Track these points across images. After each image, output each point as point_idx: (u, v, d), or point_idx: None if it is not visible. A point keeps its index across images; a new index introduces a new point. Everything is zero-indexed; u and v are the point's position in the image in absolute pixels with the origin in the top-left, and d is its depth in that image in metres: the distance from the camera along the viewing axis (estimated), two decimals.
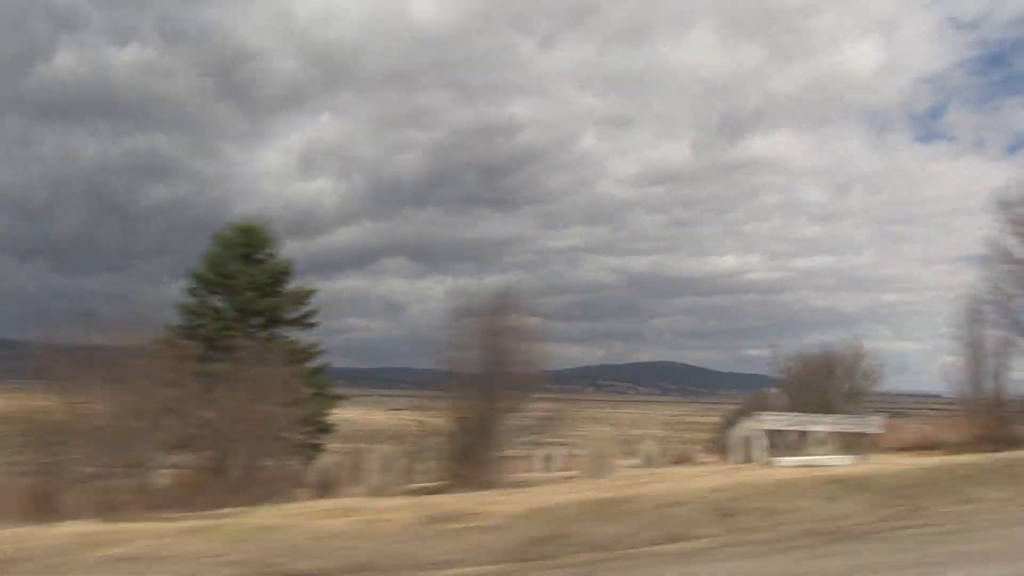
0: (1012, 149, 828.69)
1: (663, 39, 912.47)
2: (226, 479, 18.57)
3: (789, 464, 20.63)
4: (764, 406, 34.54)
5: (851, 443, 25.90)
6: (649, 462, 29.22)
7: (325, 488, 21.87)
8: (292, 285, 29.38)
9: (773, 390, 42.61)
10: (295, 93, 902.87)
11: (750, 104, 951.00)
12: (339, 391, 34.43)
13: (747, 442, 26.45)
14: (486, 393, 23.07)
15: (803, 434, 27.12)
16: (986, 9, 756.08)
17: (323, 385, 29.22)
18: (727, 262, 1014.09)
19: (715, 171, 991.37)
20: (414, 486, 21.67)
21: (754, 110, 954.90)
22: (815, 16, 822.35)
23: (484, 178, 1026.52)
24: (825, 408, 28.47)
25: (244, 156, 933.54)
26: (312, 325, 29.76)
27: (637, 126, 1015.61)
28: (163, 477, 19.00)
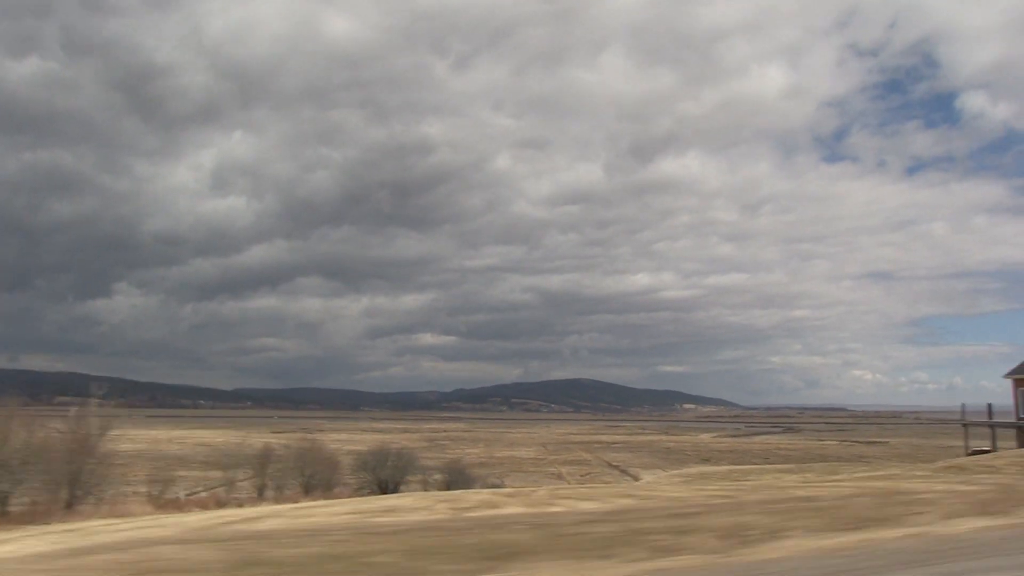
0: (911, 171, 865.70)
1: (577, 63, 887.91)
2: None
3: None
4: None
5: None
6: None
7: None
8: None
9: None
10: (207, 109, 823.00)
11: (662, 127, 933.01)
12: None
13: None
14: None
15: None
16: (884, 38, 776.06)
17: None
18: (641, 281, 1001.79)
19: (628, 192, 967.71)
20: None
21: (665, 133, 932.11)
22: (723, 42, 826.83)
23: (399, 197, 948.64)
24: None
25: (154, 172, 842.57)
26: None
27: (551, 147, 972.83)
28: None
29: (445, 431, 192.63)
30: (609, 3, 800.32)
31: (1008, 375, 41.38)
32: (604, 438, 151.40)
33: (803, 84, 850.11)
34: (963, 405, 48.59)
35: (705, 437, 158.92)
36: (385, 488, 36.41)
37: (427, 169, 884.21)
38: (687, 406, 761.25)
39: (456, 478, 42.37)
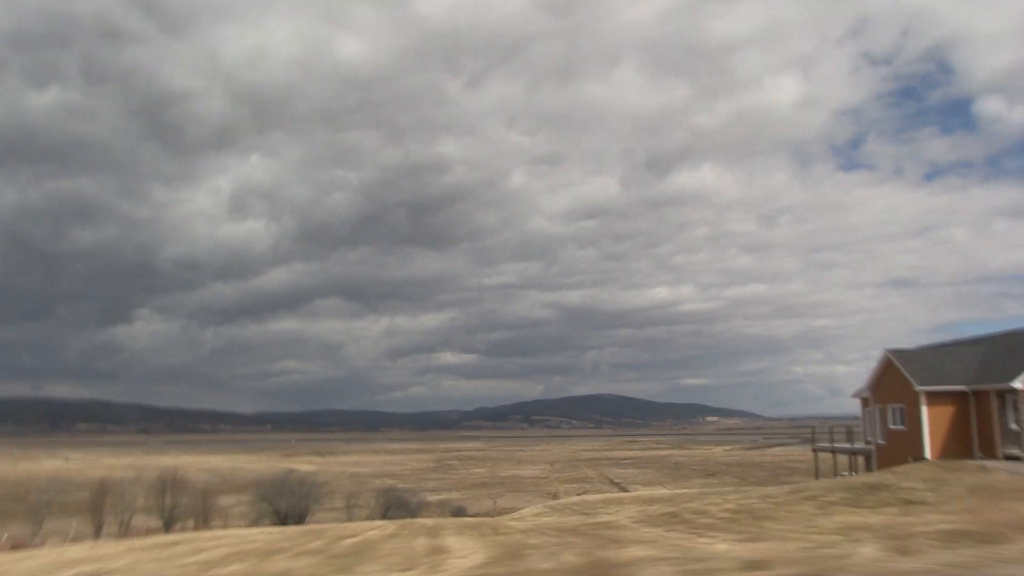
0: (929, 177, 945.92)
1: (589, 78, 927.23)
2: None
3: None
4: None
5: None
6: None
7: None
8: None
9: None
10: (224, 134, 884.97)
11: (676, 140, 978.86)
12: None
13: None
14: None
15: None
16: (897, 45, 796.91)
17: None
18: (660, 294, 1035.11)
19: (645, 206, 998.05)
20: None
21: (680, 146, 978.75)
22: (737, 54, 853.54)
23: (415, 217, 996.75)
24: None
25: (173, 198, 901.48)
26: None
27: (566, 163, 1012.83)
28: None
29: (458, 451, 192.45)
30: (621, 17, 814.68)
31: (856, 395, 38.09)
32: (616, 454, 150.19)
33: (817, 93, 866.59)
34: (812, 429, 44.91)
35: (718, 450, 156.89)
36: (285, 519, 34.94)
37: (442, 188, 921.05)
38: (710, 419, 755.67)
39: (393, 504, 40.72)
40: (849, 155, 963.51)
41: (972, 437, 28.83)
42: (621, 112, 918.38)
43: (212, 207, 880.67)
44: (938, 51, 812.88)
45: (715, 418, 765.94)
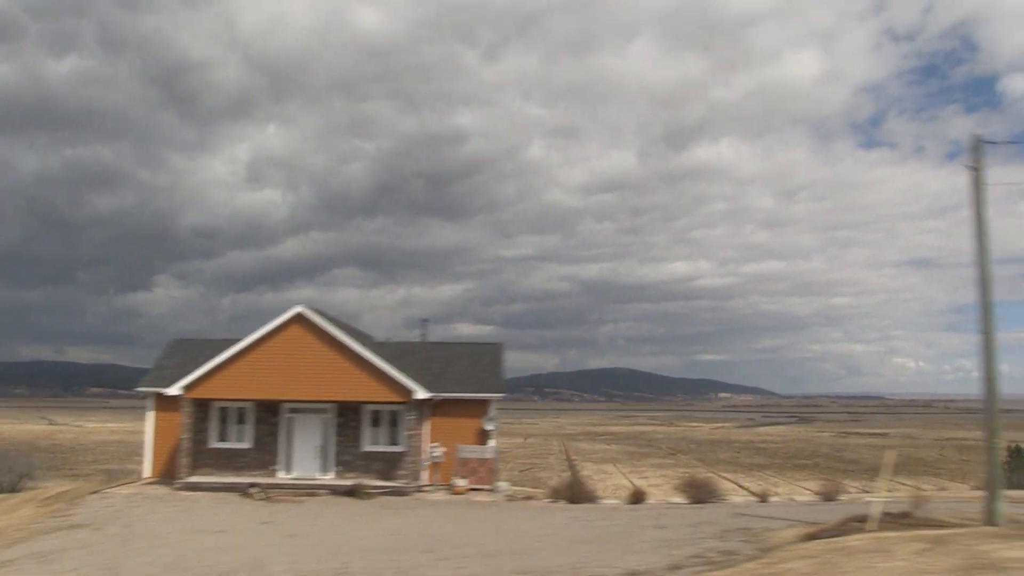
0: (951, 156, 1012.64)
1: (606, 50, 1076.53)
2: None
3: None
4: None
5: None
6: None
7: None
8: None
9: None
10: (241, 103, 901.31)
11: (694, 114, 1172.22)
12: None
13: None
14: None
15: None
16: (920, 22, 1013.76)
17: None
18: (678, 269, 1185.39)
19: (662, 179, 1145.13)
20: None
21: (698, 119, 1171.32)
22: (755, 28, 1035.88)
23: (432, 187, 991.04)
24: None
25: (190, 166, 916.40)
26: None
27: (583, 136, 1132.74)
28: None
29: None
30: None
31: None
32: (602, 429, 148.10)
33: (838, 69, 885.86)
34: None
35: (706, 428, 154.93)
36: None
37: (460, 159, 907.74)
38: (723, 395, 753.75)
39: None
40: (869, 132, 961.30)
41: None
42: (638, 85, 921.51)
43: (230, 176, 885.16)
44: (962, 28, 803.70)
45: (728, 395, 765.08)
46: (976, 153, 16.71)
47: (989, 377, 16.52)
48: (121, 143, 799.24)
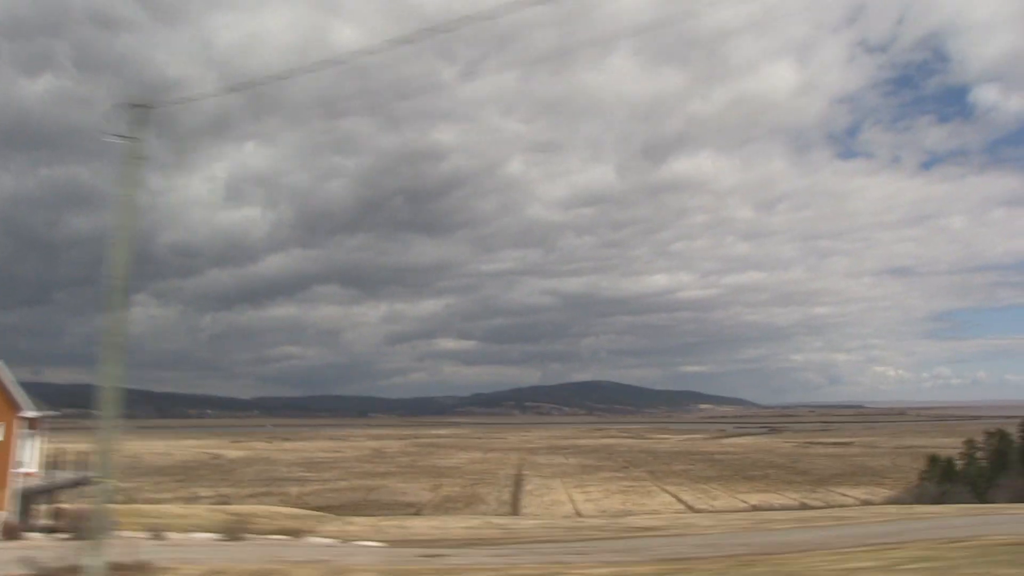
0: (926, 165, 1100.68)
1: (584, 65, 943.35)
2: None
3: None
4: None
5: None
6: None
7: None
8: None
9: None
10: (219, 121, 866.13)
11: (673, 127, 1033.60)
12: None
13: None
14: None
15: None
16: (893, 32, 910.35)
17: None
18: (659, 281, 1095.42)
19: (642, 192, 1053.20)
20: None
21: (677, 132, 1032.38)
22: (732, 41, 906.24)
23: (413, 204, 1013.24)
24: None
25: (169, 185, 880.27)
26: None
27: (563, 150, 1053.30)
28: None
29: (429, 437, 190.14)
30: (615, 4, 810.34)
31: None
32: (570, 442, 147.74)
33: (814, 81, 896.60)
34: None
35: (674, 439, 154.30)
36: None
37: (440, 175, 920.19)
38: (703, 406, 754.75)
39: None
40: (846, 143, 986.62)
41: None
42: (617, 100, 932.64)
43: (208, 194, 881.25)
44: (934, 39, 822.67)
45: (708, 405, 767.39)
46: (130, 120, 14.94)
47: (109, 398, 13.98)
48: (98, 162, 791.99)
